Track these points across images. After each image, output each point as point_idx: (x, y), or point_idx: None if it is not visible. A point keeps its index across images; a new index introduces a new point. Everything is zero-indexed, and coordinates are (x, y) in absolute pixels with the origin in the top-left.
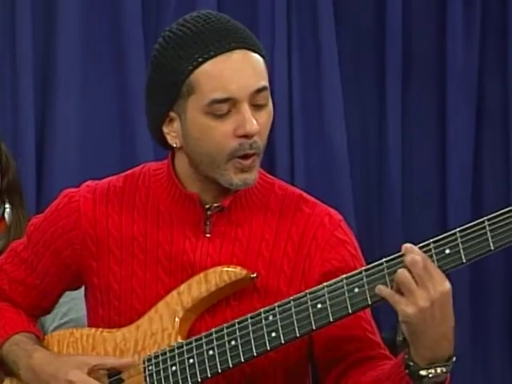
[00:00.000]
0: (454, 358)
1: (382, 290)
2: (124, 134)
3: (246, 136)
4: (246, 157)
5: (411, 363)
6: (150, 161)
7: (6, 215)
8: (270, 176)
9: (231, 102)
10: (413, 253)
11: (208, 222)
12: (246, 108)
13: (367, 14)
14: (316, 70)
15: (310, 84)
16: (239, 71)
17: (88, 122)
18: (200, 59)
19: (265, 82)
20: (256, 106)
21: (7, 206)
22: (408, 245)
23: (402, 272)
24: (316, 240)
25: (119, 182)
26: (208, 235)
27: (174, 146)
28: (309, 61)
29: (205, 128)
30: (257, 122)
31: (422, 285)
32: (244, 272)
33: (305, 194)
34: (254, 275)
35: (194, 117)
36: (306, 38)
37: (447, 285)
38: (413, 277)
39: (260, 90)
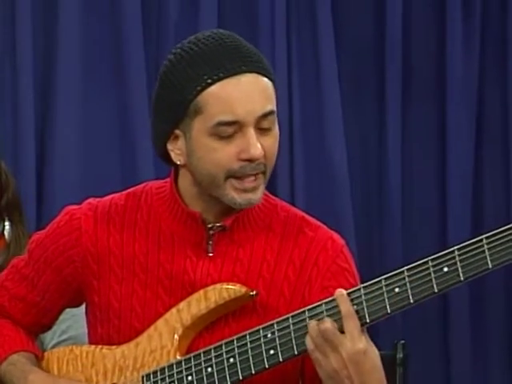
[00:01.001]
0: None
1: (307, 343)
2: (124, 135)
3: (250, 160)
4: (242, 178)
5: None
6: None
7: (6, 232)
8: (272, 197)
9: (237, 126)
10: (342, 303)
11: (210, 242)
12: (251, 132)
13: (367, 27)
14: (316, 86)
15: (310, 101)
16: (247, 95)
17: (88, 119)
18: (209, 80)
19: (272, 107)
20: (261, 130)
21: (7, 223)
22: (338, 293)
23: (309, 338)
24: (318, 266)
25: (121, 200)
26: (210, 254)
27: (178, 163)
28: (309, 78)
29: (208, 149)
30: (262, 146)
31: (333, 347)
32: (243, 289)
33: (307, 216)
34: (254, 293)
35: (199, 137)
36: (306, 55)
37: (360, 344)
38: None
39: (266, 115)
